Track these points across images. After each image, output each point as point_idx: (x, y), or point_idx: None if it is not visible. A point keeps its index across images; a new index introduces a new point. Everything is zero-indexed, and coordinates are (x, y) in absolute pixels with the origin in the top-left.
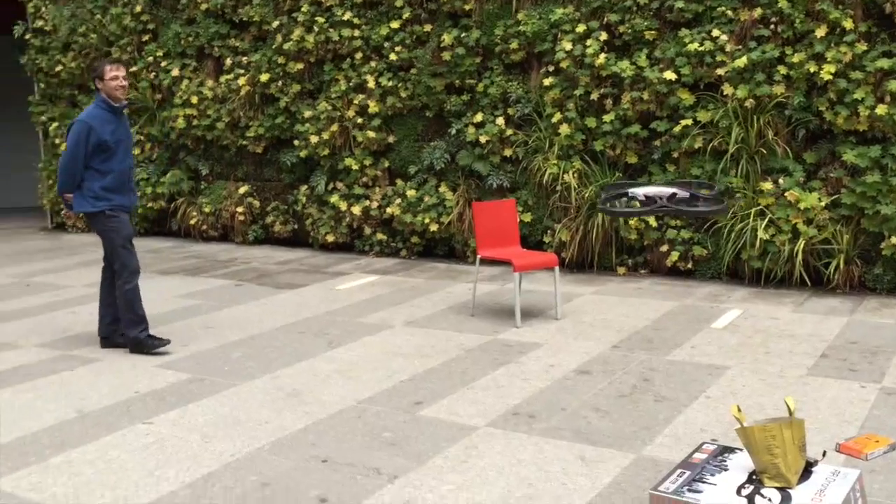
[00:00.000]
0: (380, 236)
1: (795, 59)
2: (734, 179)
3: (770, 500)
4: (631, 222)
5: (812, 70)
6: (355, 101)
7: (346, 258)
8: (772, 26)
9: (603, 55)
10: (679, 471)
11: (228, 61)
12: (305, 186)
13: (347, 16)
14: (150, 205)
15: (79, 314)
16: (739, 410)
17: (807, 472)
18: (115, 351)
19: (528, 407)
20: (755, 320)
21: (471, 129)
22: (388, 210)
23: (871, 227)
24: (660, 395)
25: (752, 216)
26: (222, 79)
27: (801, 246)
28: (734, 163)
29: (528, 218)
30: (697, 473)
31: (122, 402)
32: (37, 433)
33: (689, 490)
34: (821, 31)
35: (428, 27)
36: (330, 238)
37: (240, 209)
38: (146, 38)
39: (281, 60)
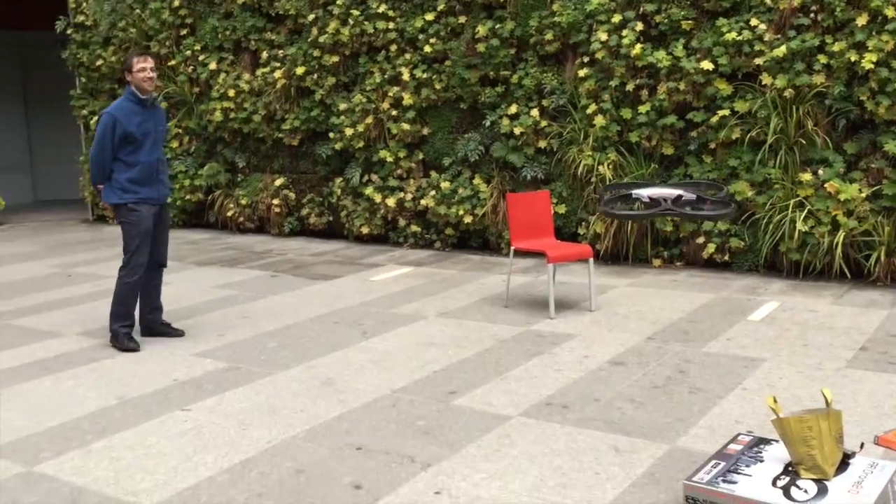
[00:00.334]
0: (414, 228)
1: (836, 47)
2: (773, 170)
3: (806, 491)
4: None
5: (853, 59)
6: (390, 94)
7: (381, 250)
8: (812, 15)
9: (639, 45)
10: (714, 461)
11: (265, 54)
12: (340, 178)
13: (382, 8)
14: (187, 197)
15: None
16: (775, 401)
17: (844, 463)
18: (154, 340)
19: (562, 397)
20: (793, 313)
21: (505, 121)
22: (423, 202)
23: None
24: (695, 387)
25: (790, 207)
26: (259, 72)
27: (841, 238)
28: (772, 153)
29: (562, 210)
30: (732, 464)
31: (162, 389)
32: (79, 419)
33: (724, 481)
34: (862, 20)
35: (462, 19)
36: (364, 230)
37: (276, 201)
38: (184, 32)
39: (316, 53)
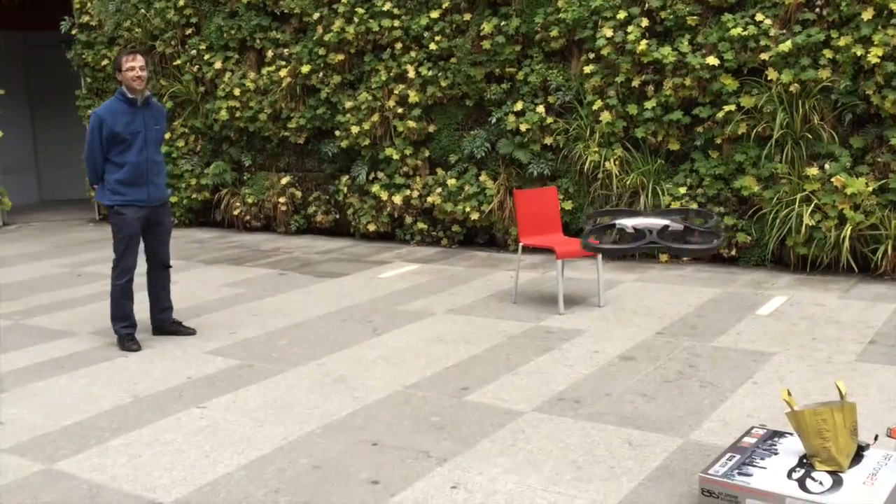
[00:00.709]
0: (420, 225)
1: (842, 42)
2: (779, 165)
3: (821, 483)
4: (674, 207)
5: (859, 53)
6: (395, 91)
7: (388, 247)
8: (817, 9)
9: (644, 41)
10: (729, 454)
11: (270, 53)
12: (347, 176)
13: (387, 6)
14: (194, 196)
15: None
16: (790, 394)
17: (858, 455)
18: (165, 338)
19: (574, 392)
20: (801, 307)
21: (511, 118)
22: (429, 199)
23: None
24: (705, 381)
25: (797, 202)
26: (264, 71)
27: (848, 232)
28: (779, 148)
29: (569, 206)
30: (747, 457)
31: (175, 387)
32: (94, 417)
33: (740, 473)
34: (867, 14)
35: (467, 16)
36: (371, 227)
37: (282, 199)
38: (189, 31)
39: (322, 52)
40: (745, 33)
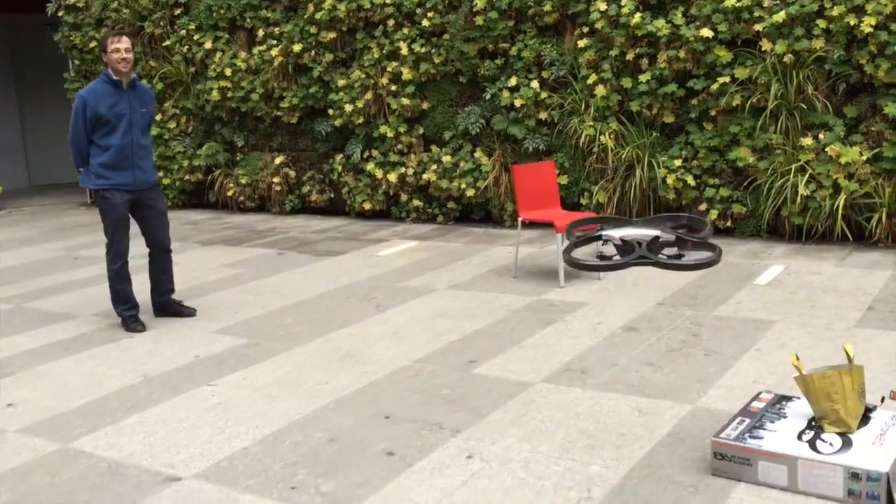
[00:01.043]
0: (416, 203)
1: (835, 12)
2: (773, 136)
3: (831, 444)
4: (669, 181)
5: (852, 23)
6: (388, 69)
7: (384, 225)
8: None
9: (638, 14)
10: (739, 419)
11: (261, 32)
12: (341, 155)
13: None
14: (186, 178)
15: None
16: (798, 359)
17: (865, 417)
18: (170, 319)
19: (580, 363)
20: (798, 276)
21: (505, 94)
22: (424, 176)
23: None
24: (709, 350)
25: (792, 172)
26: (255, 50)
27: (843, 201)
28: (773, 119)
29: (564, 180)
30: (757, 421)
31: (184, 366)
32: (106, 397)
33: (751, 437)
34: None
35: None
36: (366, 206)
37: (276, 179)
38: (178, 11)
39: (313, 30)
40: (739, 4)
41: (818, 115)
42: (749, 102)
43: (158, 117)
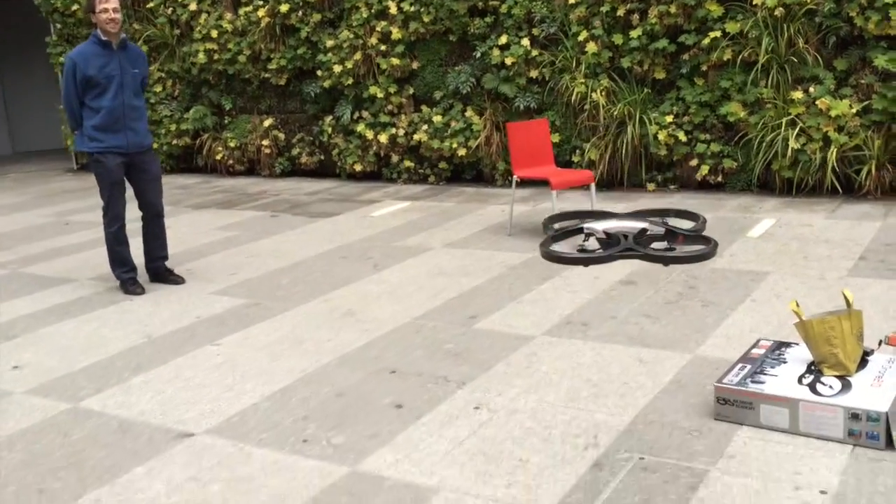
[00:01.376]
0: (407, 163)
1: None
2: (764, 90)
3: (831, 387)
4: (660, 137)
5: None
6: (377, 28)
7: (375, 186)
8: None
9: None
10: (740, 365)
11: None
12: (330, 117)
13: None
14: (174, 142)
15: None
16: (798, 305)
17: (863, 360)
18: (166, 283)
19: (580, 316)
20: (790, 228)
21: (495, 52)
22: (415, 137)
23: None
24: (706, 301)
25: (783, 126)
26: (241, 11)
27: (833, 154)
28: (764, 73)
29: (556, 138)
30: (758, 367)
31: (186, 326)
32: (111, 357)
33: (753, 381)
34: None
35: None
36: (357, 167)
37: (265, 142)
38: None
39: None
40: None
41: (808, 68)
42: (740, 57)
43: None
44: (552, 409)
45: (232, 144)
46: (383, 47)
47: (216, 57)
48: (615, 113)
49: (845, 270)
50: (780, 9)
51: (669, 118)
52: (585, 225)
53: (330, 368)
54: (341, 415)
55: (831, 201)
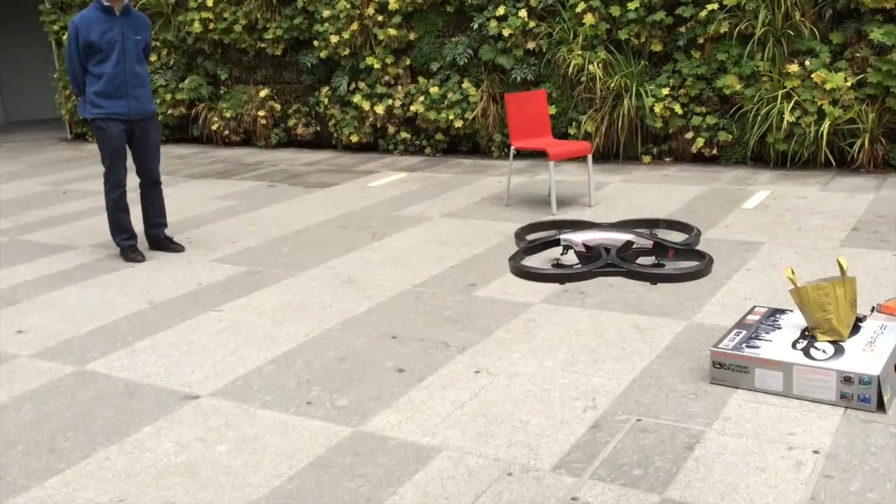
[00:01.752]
0: (404, 135)
1: None
2: (761, 63)
3: (824, 351)
4: (657, 109)
5: None
6: None
7: (372, 157)
8: None
9: None
10: (735, 330)
11: None
12: (327, 88)
13: None
14: (169, 112)
15: None
16: (793, 273)
17: (856, 327)
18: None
19: (577, 285)
20: (784, 200)
21: (493, 23)
22: (412, 108)
23: None
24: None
25: (778, 99)
26: None
27: (827, 127)
28: (760, 46)
29: (553, 110)
30: (753, 332)
31: (189, 293)
32: (115, 322)
33: (748, 346)
34: None
35: None
36: (354, 138)
37: (261, 113)
38: None
39: None
40: None
41: (805, 41)
42: (737, 30)
43: None
44: (551, 373)
45: (228, 115)
46: (380, 18)
47: (212, 26)
48: (612, 85)
49: (838, 241)
50: None
51: (666, 91)
52: (563, 236)
53: (332, 333)
54: (344, 378)
55: (825, 174)
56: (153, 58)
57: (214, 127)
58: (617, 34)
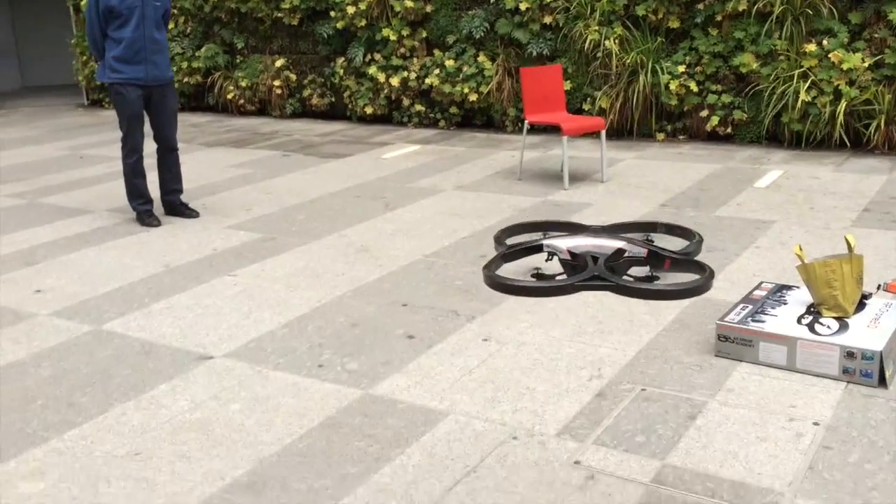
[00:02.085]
0: (418, 107)
1: None
2: (778, 42)
3: (829, 327)
4: (672, 87)
5: None
6: None
7: (386, 129)
8: None
9: None
10: (742, 305)
11: None
12: (342, 59)
13: None
14: (185, 80)
15: None
16: (801, 249)
17: (861, 304)
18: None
19: None
20: (797, 180)
21: None
22: (427, 81)
23: None
24: (711, 246)
25: (794, 78)
26: None
27: (843, 107)
28: (778, 25)
29: (568, 86)
30: (759, 307)
31: (204, 258)
32: (132, 284)
33: (753, 321)
34: None
35: None
36: (368, 110)
37: (277, 83)
38: None
39: None
40: None
41: (823, 20)
42: (755, 8)
43: None
44: (558, 343)
45: (243, 84)
46: None
47: None
48: (628, 61)
49: (849, 221)
50: None
51: (682, 68)
52: (546, 241)
53: (345, 300)
54: (355, 343)
55: (839, 155)
56: (170, 25)
57: (230, 96)
58: (634, 10)
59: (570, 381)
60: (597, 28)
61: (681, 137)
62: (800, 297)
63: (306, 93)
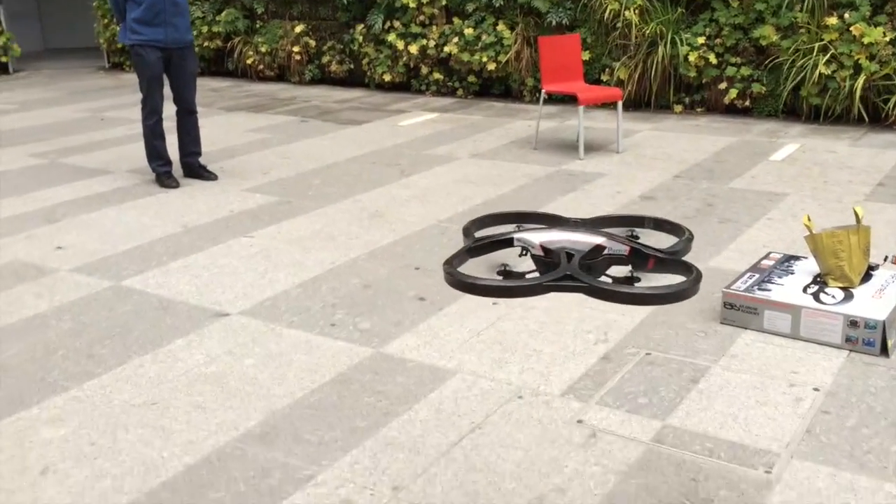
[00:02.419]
0: (436, 76)
1: None
2: (799, 14)
3: (834, 297)
4: (691, 58)
5: None
6: None
7: (404, 97)
8: None
9: None
10: (749, 274)
11: None
12: (362, 25)
13: None
14: (206, 44)
15: None
16: (809, 220)
17: (867, 275)
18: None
19: None
20: (813, 154)
21: None
22: (446, 49)
23: None
24: (723, 217)
25: (815, 52)
26: None
27: (862, 82)
28: None
29: (586, 56)
30: (766, 276)
31: (221, 219)
32: (150, 243)
33: (759, 289)
34: None
35: None
36: (386, 77)
37: (296, 49)
38: None
39: None
40: None
41: None
42: None
43: None
44: (566, 307)
45: (263, 49)
46: None
47: None
48: (647, 32)
49: (863, 195)
50: None
51: (701, 40)
52: (517, 235)
53: (358, 262)
54: (368, 304)
55: (857, 129)
56: None
57: (249, 61)
58: None
59: (577, 344)
60: None
61: (698, 110)
62: (807, 268)
63: (325, 59)
